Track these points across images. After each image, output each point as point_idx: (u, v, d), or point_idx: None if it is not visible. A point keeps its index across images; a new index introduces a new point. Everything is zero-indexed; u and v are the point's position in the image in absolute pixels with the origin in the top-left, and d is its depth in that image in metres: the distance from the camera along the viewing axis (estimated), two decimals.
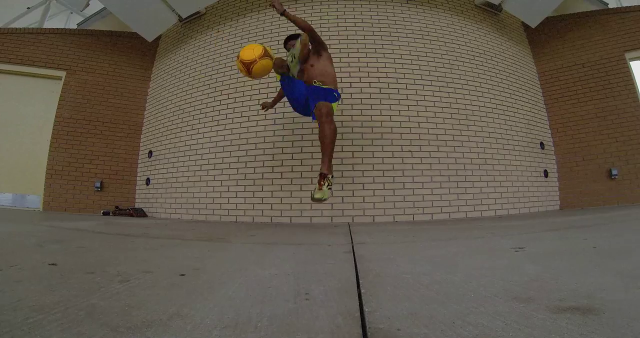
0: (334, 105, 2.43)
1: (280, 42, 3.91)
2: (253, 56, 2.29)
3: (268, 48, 2.41)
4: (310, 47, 2.59)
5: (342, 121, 3.47)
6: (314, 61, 2.60)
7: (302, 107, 2.61)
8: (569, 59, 4.73)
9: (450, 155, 3.61)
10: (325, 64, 2.59)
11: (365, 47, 3.75)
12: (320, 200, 2.24)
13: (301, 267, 1.16)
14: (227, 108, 3.91)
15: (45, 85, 4.79)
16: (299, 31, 2.64)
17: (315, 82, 2.49)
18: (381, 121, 3.56)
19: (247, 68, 2.31)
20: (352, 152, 3.48)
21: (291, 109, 3.64)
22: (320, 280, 0.95)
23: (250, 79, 2.53)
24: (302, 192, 3.41)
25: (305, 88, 2.54)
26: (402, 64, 3.76)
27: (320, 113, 2.30)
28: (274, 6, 2.50)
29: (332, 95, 2.45)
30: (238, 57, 2.37)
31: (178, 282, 0.94)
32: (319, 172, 2.31)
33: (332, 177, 2.36)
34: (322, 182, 2.25)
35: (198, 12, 4.54)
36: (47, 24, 6.67)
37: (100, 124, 4.79)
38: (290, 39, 2.77)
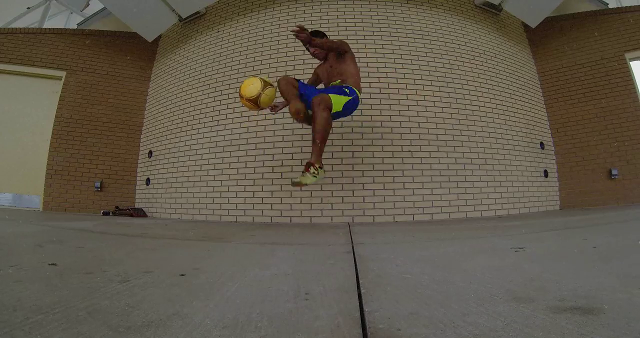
0: (341, 97, 2.37)
1: (280, 42, 3.92)
2: (257, 91, 2.36)
3: (265, 78, 2.45)
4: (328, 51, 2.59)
5: (342, 121, 3.46)
6: (332, 62, 2.60)
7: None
8: (569, 59, 4.73)
9: (450, 155, 3.61)
10: (346, 64, 2.58)
11: (365, 47, 3.76)
12: (299, 184, 2.26)
13: (301, 267, 1.16)
14: (227, 108, 3.91)
15: (45, 86, 4.79)
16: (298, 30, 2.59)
17: (333, 83, 2.52)
18: (381, 121, 3.56)
19: (255, 103, 2.38)
20: (352, 152, 3.48)
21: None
22: (320, 280, 0.95)
23: (259, 110, 2.55)
24: (302, 192, 3.41)
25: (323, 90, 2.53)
26: (402, 64, 3.76)
27: (315, 102, 2.28)
28: (298, 36, 2.38)
29: (342, 90, 2.41)
30: (241, 96, 2.41)
31: (178, 282, 0.94)
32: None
33: (321, 168, 2.32)
34: (308, 169, 2.27)
35: (198, 12, 4.54)
36: (47, 24, 6.67)
37: (100, 124, 4.79)
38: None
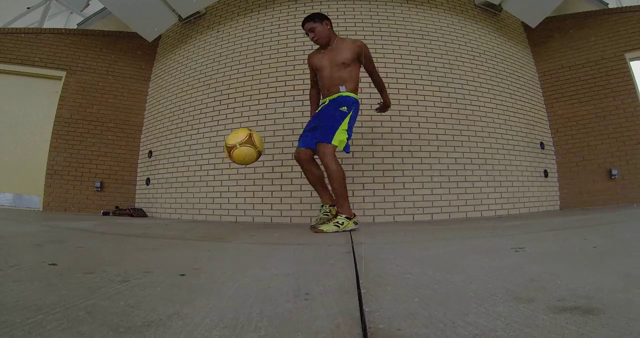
0: (343, 126, 2.29)
1: (280, 42, 3.92)
2: (234, 141, 2.25)
3: (256, 135, 2.31)
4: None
5: None
6: (342, 63, 2.43)
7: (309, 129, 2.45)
8: (569, 59, 4.73)
9: (450, 155, 3.61)
10: (358, 69, 2.53)
11: None
12: (320, 231, 2.22)
13: (301, 267, 1.16)
14: (227, 108, 3.91)
15: (45, 86, 4.80)
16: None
17: (341, 89, 2.40)
18: (381, 121, 3.56)
19: (229, 152, 2.27)
20: (352, 152, 3.48)
21: (291, 110, 3.67)
22: (320, 280, 0.95)
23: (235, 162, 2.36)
24: (302, 192, 3.41)
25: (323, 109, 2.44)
26: (402, 64, 3.76)
27: (323, 154, 2.26)
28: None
29: (339, 114, 2.32)
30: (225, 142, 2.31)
31: (178, 282, 0.94)
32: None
33: (350, 218, 2.28)
34: (334, 219, 2.27)
35: (198, 12, 4.54)
36: (47, 24, 6.68)
37: (100, 124, 4.79)
38: (309, 21, 2.49)
